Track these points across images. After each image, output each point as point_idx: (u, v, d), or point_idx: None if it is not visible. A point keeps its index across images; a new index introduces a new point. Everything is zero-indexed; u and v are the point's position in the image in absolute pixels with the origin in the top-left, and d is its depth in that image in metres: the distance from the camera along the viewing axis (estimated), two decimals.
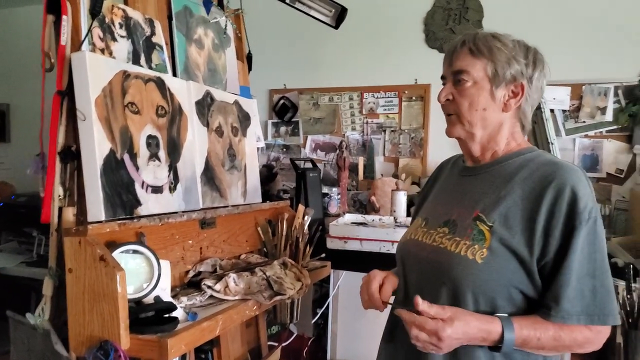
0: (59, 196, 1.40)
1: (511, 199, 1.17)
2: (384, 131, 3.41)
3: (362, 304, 1.37)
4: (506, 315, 1.13)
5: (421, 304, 1.09)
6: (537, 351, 1.15)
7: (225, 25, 2.21)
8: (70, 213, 1.41)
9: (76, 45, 1.46)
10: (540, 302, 1.14)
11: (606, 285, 1.12)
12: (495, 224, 1.16)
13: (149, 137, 1.59)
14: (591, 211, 1.11)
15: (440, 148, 3.24)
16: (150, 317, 1.32)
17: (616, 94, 2.91)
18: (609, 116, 2.92)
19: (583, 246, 1.10)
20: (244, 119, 2.14)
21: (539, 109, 2.27)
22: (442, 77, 1.32)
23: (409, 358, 1.26)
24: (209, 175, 1.86)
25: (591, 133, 2.98)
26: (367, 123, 3.46)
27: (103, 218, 1.38)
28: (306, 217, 2.04)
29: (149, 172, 1.58)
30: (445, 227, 1.26)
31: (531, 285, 1.14)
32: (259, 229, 2.04)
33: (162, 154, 1.63)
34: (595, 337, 1.13)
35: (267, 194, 2.69)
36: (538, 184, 1.15)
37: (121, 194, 1.45)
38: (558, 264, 1.11)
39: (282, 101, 3.63)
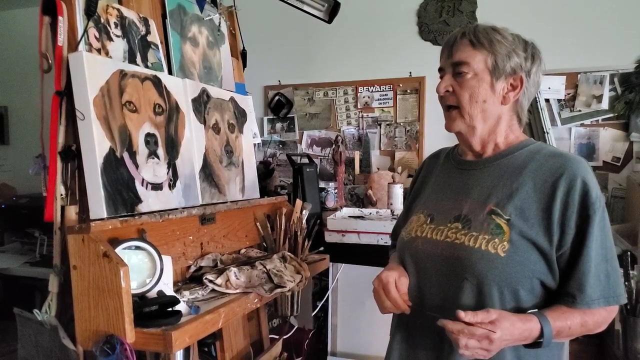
0: (61, 195, 1.42)
1: (524, 192, 1.19)
2: (380, 125, 3.42)
3: (379, 309, 1.30)
4: (536, 310, 1.15)
5: (465, 316, 1.07)
6: (566, 339, 1.19)
7: (219, 23, 2.22)
8: (72, 211, 1.43)
9: (73, 46, 1.47)
10: (561, 291, 1.17)
11: (616, 268, 1.18)
12: (512, 217, 1.17)
13: (147, 135, 1.61)
14: (600, 200, 1.15)
15: (436, 140, 3.24)
16: (154, 311, 1.34)
17: (612, 82, 2.90)
18: (605, 104, 2.92)
19: (597, 234, 1.14)
20: (240, 115, 2.15)
21: (534, 98, 2.29)
22: (440, 70, 1.31)
23: None
24: (208, 172, 1.88)
25: (587, 122, 2.97)
26: (362, 117, 3.47)
27: (105, 215, 1.40)
28: (304, 212, 2.05)
29: (149, 169, 1.60)
30: (457, 222, 1.25)
31: (550, 275, 1.17)
32: (257, 224, 2.06)
33: (160, 151, 1.65)
34: (610, 316, 1.19)
35: (265, 190, 2.71)
36: (549, 176, 1.18)
37: (122, 191, 1.47)
38: (576, 252, 1.14)
39: (277, 97, 3.64)
